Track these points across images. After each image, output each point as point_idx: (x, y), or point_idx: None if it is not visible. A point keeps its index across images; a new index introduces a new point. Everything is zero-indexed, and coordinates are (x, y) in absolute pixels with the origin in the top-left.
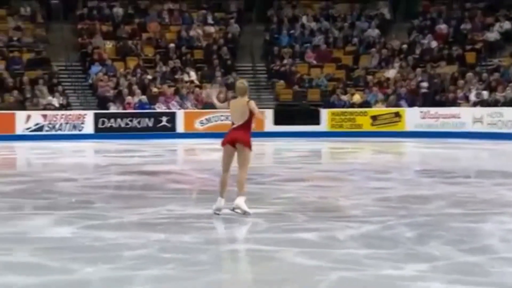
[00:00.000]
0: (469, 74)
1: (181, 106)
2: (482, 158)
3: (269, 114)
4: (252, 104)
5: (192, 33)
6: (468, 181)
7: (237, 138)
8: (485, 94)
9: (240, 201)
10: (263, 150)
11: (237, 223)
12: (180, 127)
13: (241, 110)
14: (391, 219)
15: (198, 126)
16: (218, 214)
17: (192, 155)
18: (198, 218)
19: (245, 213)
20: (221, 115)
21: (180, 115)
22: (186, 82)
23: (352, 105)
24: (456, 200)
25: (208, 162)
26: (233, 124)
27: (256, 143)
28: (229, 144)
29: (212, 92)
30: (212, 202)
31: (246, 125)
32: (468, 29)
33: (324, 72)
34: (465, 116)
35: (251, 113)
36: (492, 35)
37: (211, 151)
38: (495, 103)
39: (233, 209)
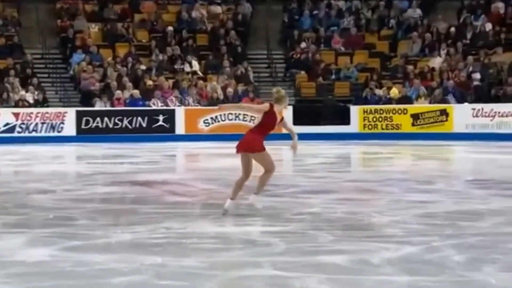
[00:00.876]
0: None
1: (181, 102)
2: None
3: (287, 112)
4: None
5: (194, 14)
6: None
7: (247, 147)
8: None
9: (256, 201)
10: (280, 156)
11: (249, 244)
12: (180, 128)
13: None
14: (436, 239)
15: (202, 127)
16: (224, 215)
17: (195, 162)
18: (202, 238)
19: (258, 210)
20: (229, 114)
21: (180, 113)
22: (187, 73)
23: (389, 101)
24: None
25: (214, 170)
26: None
27: (272, 147)
28: (241, 152)
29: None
30: (220, 218)
31: (257, 128)
32: None
33: (355, 61)
34: None
35: (265, 115)
36: None
37: (218, 157)
38: None
39: (251, 205)
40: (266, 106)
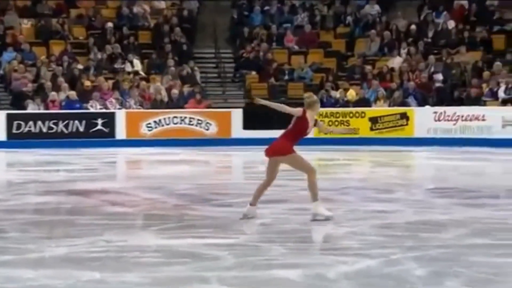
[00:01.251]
0: (497, 64)
1: (122, 104)
2: None
3: (237, 115)
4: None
5: (136, 9)
6: (496, 203)
7: (275, 151)
8: None
9: (317, 208)
10: (229, 162)
11: (195, 257)
12: (120, 132)
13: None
14: (395, 252)
15: (144, 131)
16: (241, 219)
17: (137, 169)
18: (144, 252)
19: (327, 218)
20: (174, 117)
21: (120, 116)
22: (129, 73)
23: (346, 104)
24: (481, 228)
25: (157, 178)
26: None
27: (220, 152)
28: (270, 156)
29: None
30: (164, 230)
31: (288, 133)
32: (496, 5)
33: (309, 61)
34: (492, 118)
35: (297, 120)
36: None
37: (162, 164)
38: None
39: (314, 219)
40: (299, 110)
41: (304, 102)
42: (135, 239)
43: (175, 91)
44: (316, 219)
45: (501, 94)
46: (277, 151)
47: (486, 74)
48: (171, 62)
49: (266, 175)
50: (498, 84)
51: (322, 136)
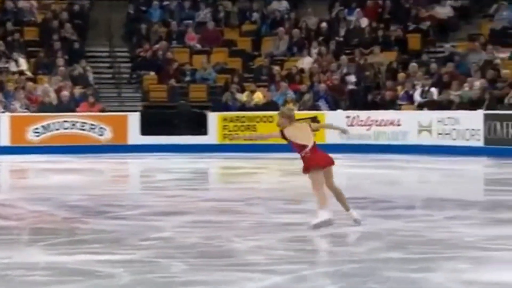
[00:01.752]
0: (413, 65)
1: (6, 107)
2: (430, 181)
3: (134, 119)
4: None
5: (21, 3)
6: (411, 214)
7: (331, 160)
8: (434, 92)
9: (355, 213)
10: (125, 171)
11: (88, 275)
12: (4, 138)
13: (307, 132)
14: (305, 267)
15: (31, 137)
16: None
17: (22, 178)
18: (31, 270)
19: (357, 221)
20: (65, 121)
21: (4, 120)
22: (13, 73)
23: (253, 107)
24: (395, 240)
25: (45, 189)
26: (305, 146)
27: (116, 160)
28: (328, 166)
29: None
30: (53, 245)
31: (316, 145)
32: (411, 2)
33: (213, 61)
34: (408, 123)
35: (314, 133)
36: (444, 11)
37: (50, 173)
38: (448, 105)
39: (357, 223)
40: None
41: (291, 115)
42: (20, 256)
43: (65, 93)
44: (357, 224)
45: (417, 97)
46: (332, 160)
47: (401, 75)
48: (60, 61)
49: (321, 184)
50: (413, 86)
51: (227, 142)
